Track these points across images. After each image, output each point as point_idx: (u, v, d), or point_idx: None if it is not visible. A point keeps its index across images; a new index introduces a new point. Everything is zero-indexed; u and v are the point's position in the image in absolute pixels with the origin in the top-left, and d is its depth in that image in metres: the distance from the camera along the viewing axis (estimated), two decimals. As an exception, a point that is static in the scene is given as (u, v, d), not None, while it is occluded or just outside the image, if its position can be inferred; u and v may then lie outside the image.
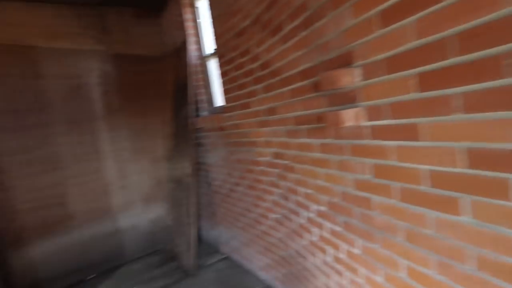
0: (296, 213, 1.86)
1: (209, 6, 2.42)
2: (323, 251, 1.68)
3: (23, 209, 2.65)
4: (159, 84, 3.43)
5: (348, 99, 1.29)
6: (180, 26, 3.01)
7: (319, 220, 1.66)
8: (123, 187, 3.21)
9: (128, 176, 3.24)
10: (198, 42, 2.96)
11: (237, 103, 2.27)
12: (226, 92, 2.40)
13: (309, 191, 1.70)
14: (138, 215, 3.33)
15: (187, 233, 2.86)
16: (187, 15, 2.89)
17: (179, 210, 3.09)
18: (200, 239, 3.56)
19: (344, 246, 1.50)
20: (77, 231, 2.92)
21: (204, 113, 3.02)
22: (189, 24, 2.90)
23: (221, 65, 2.38)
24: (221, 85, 2.46)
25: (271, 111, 1.89)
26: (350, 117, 1.23)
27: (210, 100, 3.02)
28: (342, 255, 1.53)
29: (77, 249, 2.92)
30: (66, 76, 2.84)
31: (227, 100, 2.41)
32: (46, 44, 2.74)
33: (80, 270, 2.94)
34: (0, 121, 2.54)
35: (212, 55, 2.79)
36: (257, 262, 2.49)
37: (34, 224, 2.70)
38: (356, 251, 1.43)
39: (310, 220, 1.74)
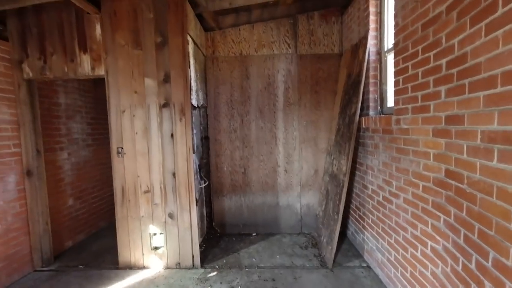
0: (468, 256, 1.44)
1: (396, -4, 2.21)
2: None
3: (225, 171, 3.78)
4: (332, 80, 3.60)
5: None
6: (362, 22, 2.95)
7: (503, 278, 1.20)
8: (286, 171, 3.74)
9: (292, 162, 3.72)
10: (378, 37, 2.79)
11: (412, 105, 1.98)
12: (400, 92, 2.15)
13: (491, 233, 1.26)
14: (294, 197, 3.78)
15: (332, 227, 2.93)
16: (372, 9, 2.77)
17: (329, 204, 3.20)
18: (343, 237, 3.52)
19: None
20: (252, 196, 3.78)
21: (372, 112, 2.86)
22: (371, 18, 2.79)
23: (400, 61, 2.14)
24: (396, 83, 2.22)
25: (455, 119, 1.52)
26: None
27: (380, 99, 2.80)
28: None
29: (249, 210, 3.80)
30: (262, 76, 3.63)
31: (400, 101, 2.15)
32: (255, 53, 3.62)
33: (248, 226, 3.82)
34: (223, 108, 3.71)
35: (391, 50, 2.55)
36: (404, 290, 2.15)
37: (227, 183, 3.79)
38: None
39: (487, 272, 1.30)
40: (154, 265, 2.92)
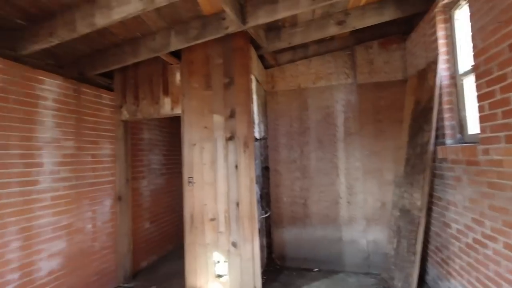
0: None
1: (470, 18, 2.07)
2: None
3: (284, 202, 3.79)
4: (395, 108, 3.41)
5: None
6: (428, 47, 2.80)
7: None
8: (349, 203, 3.54)
9: (355, 194, 3.52)
10: (450, 60, 2.59)
11: (503, 133, 1.74)
12: (487, 118, 1.91)
13: None
14: (359, 232, 3.50)
15: (408, 271, 2.59)
16: (440, 32, 2.63)
17: (402, 242, 2.86)
18: (422, 283, 3.04)
19: None
20: (312, 229, 3.65)
21: (449, 141, 2.58)
22: (440, 42, 2.63)
23: (484, 84, 1.94)
24: (480, 109, 1.99)
25: None
26: None
27: (459, 126, 2.53)
28: None
29: (309, 243, 3.66)
30: (321, 107, 3.67)
31: (487, 129, 1.91)
32: (312, 85, 3.72)
33: (309, 260, 3.64)
34: (282, 139, 3.82)
35: (467, 73, 2.33)
36: None
37: (287, 214, 3.76)
38: None
39: None
40: (217, 293, 2.99)
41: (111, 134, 3.38)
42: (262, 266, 3.47)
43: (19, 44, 2.33)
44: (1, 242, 2.19)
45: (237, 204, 2.94)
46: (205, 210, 3.06)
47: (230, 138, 2.99)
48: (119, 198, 3.39)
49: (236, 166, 2.96)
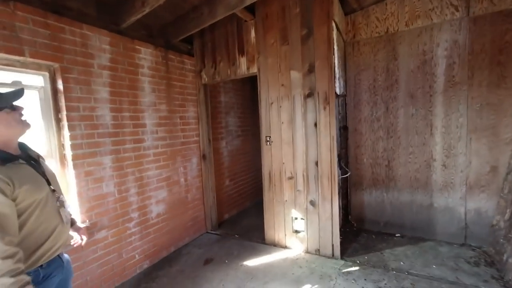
0: None
1: None
2: None
3: (364, 163, 3.55)
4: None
5: None
6: None
7: None
8: (445, 166, 3.07)
9: (454, 156, 3.02)
10: None
11: None
12: None
13: None
14: (456, 199, 3.06)
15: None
16: None
17: (522, 214, 2.38)
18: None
19: None
20: (396, 192, 3.37)
21: None
22: None
23: None
24: None
25: None
26: None
27: None
28: None
29: (392, 207, 3.41)
30: (415, 54, 3.10)
31: None
32: (405, 28, 3.13)
33: (391, 225, 3.43)
34: (364, 96, 3.46)
35: None
36: None
37: (367, 176, 3.53)
38: None
39: None
40: (295, 247, 3.13)
41: (194, 97, 3.63)
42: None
43: (119, 18, 2.59)
44: (124, 187, 2.70)
45: (316, 164, 2.88)
46: (283, 168, 3.11)
47: (309, 95, 2.85)
48: (203, 157, 3.73)
49: (315, 124, 2.84)
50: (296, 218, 3.10)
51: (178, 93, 3.38)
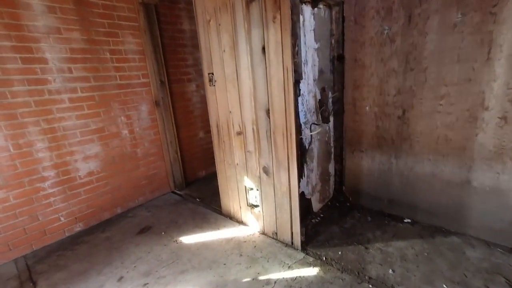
0: None
1: None
2: None
3: (366, 112, 2.33)
4: None
5: None
6: None
7: None
8: (505, 120, 1.73)
9: (529, 101, 1.63)
10: None
11: None
12: None
13: None
14: (518, 177, 1.77)
15: None
16: None
17: None
18: None
19: None
20: (412, 158, 2.17)
21: None
22: None
23: None
24: None
25: None
26: None
27: None
28: None
29: (402, 180, 2.26)
30: None
31: None
32: None
33: (398, 204, 2.34)
34: (371, 1, 2.09)
35: None
36: None
37: (369, 131, 2.35)
38: None
39: None
40: (252, 224, 2.36)
41: (132, 23, 2.71)
42: (323, 200, 2.50)
43: None
44: (24, 141, 2.17)
45: (267, 112, 1.87)
46: (230, 119, 2.17)
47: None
48: (156, 103, 2.97)
49: (263, 49, 1.74)
50: (251, 189, 2.26)
51: (101, 15, 2.50)
